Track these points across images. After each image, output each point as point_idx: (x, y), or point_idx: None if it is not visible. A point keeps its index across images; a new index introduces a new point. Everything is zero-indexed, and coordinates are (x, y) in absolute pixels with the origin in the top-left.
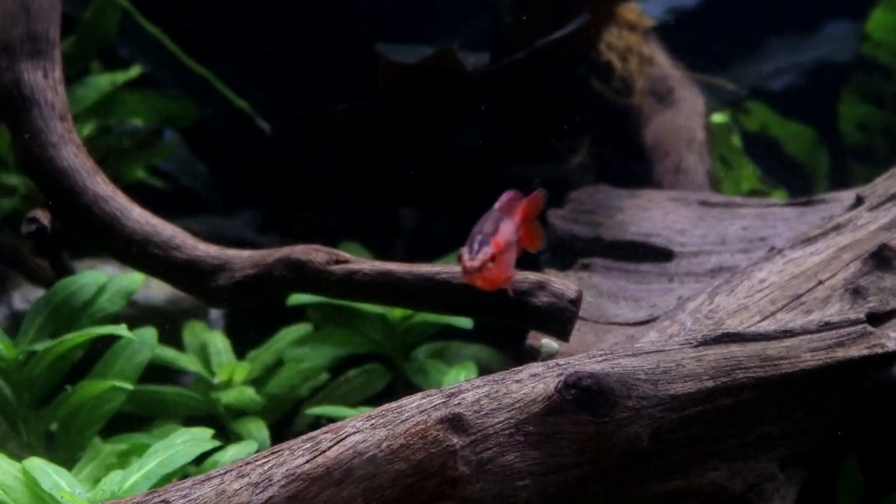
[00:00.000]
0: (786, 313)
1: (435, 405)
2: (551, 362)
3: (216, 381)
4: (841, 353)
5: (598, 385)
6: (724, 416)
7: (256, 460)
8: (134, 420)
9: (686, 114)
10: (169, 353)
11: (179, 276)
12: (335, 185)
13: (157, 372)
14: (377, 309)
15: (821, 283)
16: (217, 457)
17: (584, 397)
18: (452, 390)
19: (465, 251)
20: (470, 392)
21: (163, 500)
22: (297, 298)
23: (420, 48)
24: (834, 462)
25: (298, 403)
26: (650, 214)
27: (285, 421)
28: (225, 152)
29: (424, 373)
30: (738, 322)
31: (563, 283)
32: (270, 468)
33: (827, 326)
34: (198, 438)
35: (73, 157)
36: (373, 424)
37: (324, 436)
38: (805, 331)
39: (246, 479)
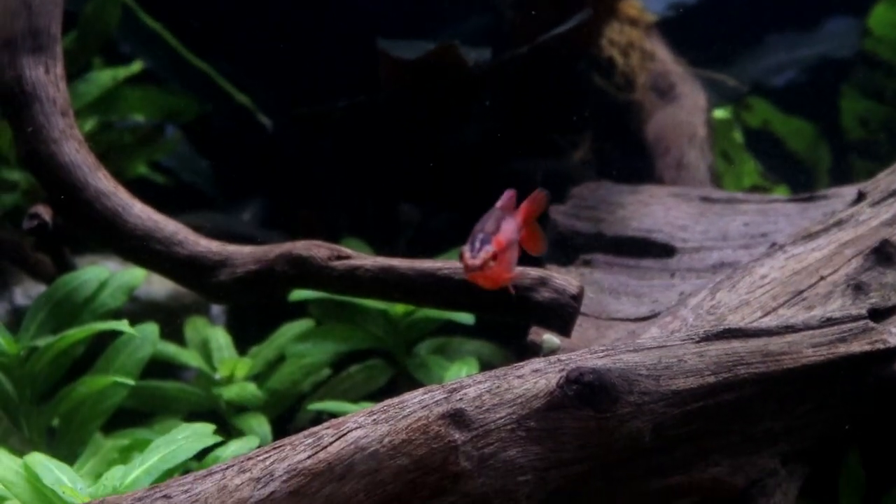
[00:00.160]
0: (787, 309)
1: (437, 401)
2: (553, 358)
3: (218, 376)
4: (843, 349)
5: (600, 380)
6: (726, 412)
7: (258, 456)
8: (135, 415)
9: (688, 109)
10: (170, 349)
11: (181, 272)
12: (337, 181)
13: (159, 367)
14: (379, 305)
15: (822, 278)
16: (219, 452)
17: (586, 393)
18: (454, 386)
19: (466, 249)
20: (472, 387)
21: (164, 496)
22: (298, 294)
23: (421, 44)
24: (836, 457)
25: (300, 399)
26: (652, 210)
27: (287, 416)
28: (226, 148)
29: (426, 368)
30: (740, 318)
31: (564, 278)
32: (272, 463)
33: (829, 322)
34: (199, 434)
35: (75, 152)
36: (374, 420)
37: (325, 431)
38: (807, 326)
39: (248, 475)
